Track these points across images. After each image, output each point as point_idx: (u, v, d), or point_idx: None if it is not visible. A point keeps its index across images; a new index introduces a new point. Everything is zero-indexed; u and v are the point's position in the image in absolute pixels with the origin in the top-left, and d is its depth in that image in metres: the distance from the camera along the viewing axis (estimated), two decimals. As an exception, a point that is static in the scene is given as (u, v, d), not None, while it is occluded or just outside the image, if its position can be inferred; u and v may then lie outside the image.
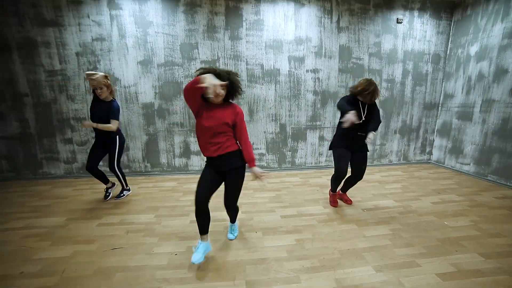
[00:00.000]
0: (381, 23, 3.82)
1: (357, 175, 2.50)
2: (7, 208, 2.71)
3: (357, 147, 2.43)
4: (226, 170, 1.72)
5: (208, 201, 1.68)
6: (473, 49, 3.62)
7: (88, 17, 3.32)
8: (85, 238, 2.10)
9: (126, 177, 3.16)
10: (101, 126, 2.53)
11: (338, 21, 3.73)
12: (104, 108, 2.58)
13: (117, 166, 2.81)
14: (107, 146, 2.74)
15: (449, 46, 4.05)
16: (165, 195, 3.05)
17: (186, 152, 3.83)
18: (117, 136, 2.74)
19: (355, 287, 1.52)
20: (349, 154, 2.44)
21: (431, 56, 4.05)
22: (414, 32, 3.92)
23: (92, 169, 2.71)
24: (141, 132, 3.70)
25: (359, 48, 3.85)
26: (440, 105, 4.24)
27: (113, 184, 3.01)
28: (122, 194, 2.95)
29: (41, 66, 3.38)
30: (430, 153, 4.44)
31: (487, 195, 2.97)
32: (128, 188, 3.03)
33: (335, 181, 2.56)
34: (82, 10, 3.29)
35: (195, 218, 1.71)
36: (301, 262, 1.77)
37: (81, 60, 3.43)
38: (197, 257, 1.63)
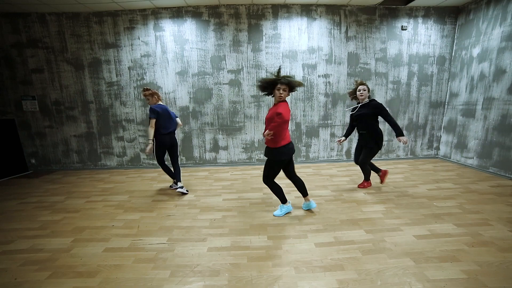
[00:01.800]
0: (387, 31, 4.23)
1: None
2: (86, 188, 3.58)
3: (364, 142, 3.05)
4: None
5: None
6: (475, 51, 3.91)
7: (139, 38, 4.14)
8: (146, 208, 2.84)
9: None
10: (149, 133, 2.95)
11: (346, 31, 4.21)
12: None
13: (158, 163, 3.22)
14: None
15: (454, 48, 4.34)
16: (200, 181, 3.76)
17: (215, 148, 4.54)
18: (154, 138, 3.02)
19: (348, 242, 2.06)
20: (359, 148, 3.19)
21: (436, 58, 4.37)
22: (418, 37, 4.28)
23: (160, 163, 3.24)
24: (178, 130, 4.46)
25: (366, 54, 4.30)
26: (446, 103, 4.53)
27: (182, 187, 3.23)
28: (171, 186, 3.44)
29: (103, 79, 4.27)
30: (438, 148, 4.74)
31: (483, 184, 3.29)
32: (176, 182, 3.26)
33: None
34: (134, 33, 4.12)
35: (227, 197, 2.39)
36: (309, 226, 2.33)
37: (131, 73, 4.27)
38: (277, 212, 2.56)
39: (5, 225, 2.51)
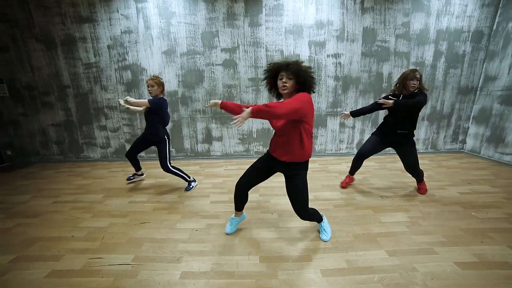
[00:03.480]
0: (411, 1, 3.51)
1: (407, 169, 2.52)
2: (59, 185, 3.14)
3: (396, 141, 2.44)
4: None
5: None
6: (524, 24, 3.19)
7: (117, 11, 3.54)
8: (119, 213, 2.38)
9: (151, 162, 3.36)
10: (135, 101, 2.46)
11: (362, 2, 3.51)
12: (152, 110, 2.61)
13: (170, 165, 2.76)
14: (154, 143, 2.76)
15: (496, 21, 3.58)
16: (189, 178, 3.27)
17: (208, 138, 4.02)
18: (166, 136, 2.73)
19: (365, 269, 1.55)
20: (379, 143, 2.50)
21: (471, 34, 3.65)
22: (451, 8, 3.55)
23: (130, 155, 2.88)
24: (167, 119, 3.94)
25: (385, 30, 3.61)
26: (478, 88, 3.85)
27: (142, 174, 3.19)
28: (191, 186, 2.89)
29: (79, 59, 3.72)
30: (464, 141, 4.10)
31: (528, 187, 2.71)
32: (193, 179, 2.96)
33: (354, 160, 2.68)
34: (112, 5, 3.52)
35: (215, 199, 1.85)
36: (314, 243, 1.83)
37: (112, 52, 3.70)
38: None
39: None
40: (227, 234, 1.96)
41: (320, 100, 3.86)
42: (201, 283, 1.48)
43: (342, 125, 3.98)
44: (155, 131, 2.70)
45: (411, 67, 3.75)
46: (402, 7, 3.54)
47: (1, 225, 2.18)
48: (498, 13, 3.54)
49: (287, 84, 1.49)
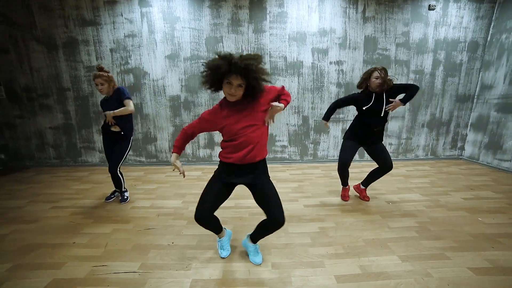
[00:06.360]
0: (411, 11, 3.63)
1: (385, 167, 2.37)
2: (57, 189, 3.04)
3: (370, 141, 2.36)
4: None
5: None
6: (518, 35, 3.32)
7: (121, 15, 3.54)
8: (122, 218, 2.30)
9: (155, 167, 3.24)
10: (118, 111, 2.29)
11: (363, 11, 3.61)
12: (112, 101, 2.34)
13: (117, 169, 2.50)
14: (118, 142, 2.47)
15: (490, 32, 3.73)
16: (191, 183, 3.21)
17: (210, 144, 3.98)
18: (131, 137, 2.52)
19: (380, 274, 1.53)
20: (355, 146, 2.41)
21: (467, 44, 3.78)
22: (448, 19, 3.68)
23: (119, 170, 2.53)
24: (168, 123, 3.90)
25: (386, 39, 3.70)
26: (475, 97, 3.95)
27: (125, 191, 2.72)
28: (126, 197, 2.67)
29: (81, 62, 3.68)
30: (462, 148, 4.18)
31: (529, 193, 2.76)
32: (126, 189, 2.72)
33: (340, 171, 2.51)
34: (116, 9, 3.52)
35: (222, 204, 1.73)
36: (325, 248, 1.80)
37: (114, 55, 3.68)
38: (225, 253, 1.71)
39: None
40: (223, 258, 1.71)
41: (323, 107, 3.90)
42: (213, 291, 1.43)
43: (344, 131, 4.01)
44: (130, 126, 2.48)
45: (411, 75, 3.85)
46: (402, 17, 3.65)
47: (-2, 231, 2.08)
48: (492, 25, 3.69)
49: (236, 93, 1.25)
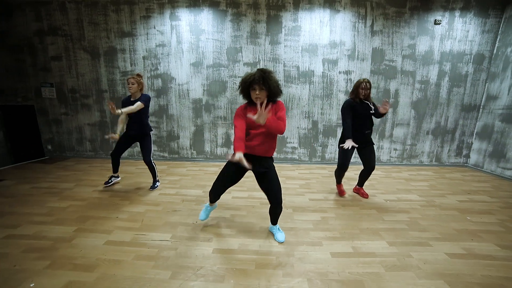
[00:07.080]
0: (417, 25, 3.88)
1: (369, 168, 2.73)
2: (95, 176, 3.56)
3: (364, 143, 2.68)
4: None
5: None
6: (522, 49, 3.49)
7: (154, 27, 4.06)
8: (153, 202, 2.74)
9: (177, 162, 3.67)
10: (126, 109, 2.61)
11: (372, 25, 3.90)
12: (136, 102, 2.73)
13: (150, 160, 3.01)
14: (139, 140, 2.96)
15: (496, 45, 3.90)
16: (210, 177, 3.62)
17: (227, 143, 4.40)
18: (150, 130, 2.99)
19: (368, 254, 1.84)
20: (352, 150, 2.64)
21: (472, 56, 3.96)
22: (453, 33, 3.89)
23: (115, 155, 3.04)
24: (190, 123, 4.36)
25: (393, 51, 3.97)
26: (481, 107, 4.11)
27: (118, 176, 3.27)
28: (155, 185, 3.13)
29: (118, 68, 4.23)
30: (468, 156, 4.32)
31: (524, 199, 2.92)
32: (158, 179, 3.21)
33: (337, 174, 2.90)
34: (150, 22, 4.04)
35: (236, 195, 2.16)
36: (324, 232, 2.13)
37: (146, 62, 4.20)
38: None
39: (15, 209, 2.49)
40: (201, 220, 2.18)
41: (331, 112, 4.21)
42: (231, 257, 1.79)
43: (350, 135, 4.29)
44: (144, 126, 2.91)
45: (417, 85, 4.07)
46: (408, 31, 3.91)
47: (58, 205, 2.58)
48: (498, 39, 3.86)
49: (260, 95, 1.70)
